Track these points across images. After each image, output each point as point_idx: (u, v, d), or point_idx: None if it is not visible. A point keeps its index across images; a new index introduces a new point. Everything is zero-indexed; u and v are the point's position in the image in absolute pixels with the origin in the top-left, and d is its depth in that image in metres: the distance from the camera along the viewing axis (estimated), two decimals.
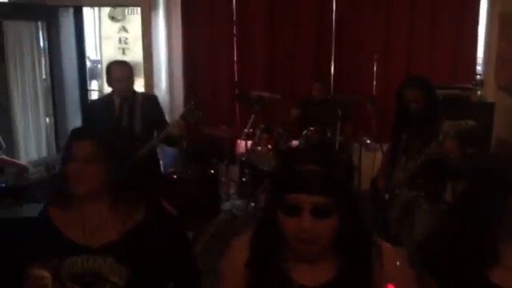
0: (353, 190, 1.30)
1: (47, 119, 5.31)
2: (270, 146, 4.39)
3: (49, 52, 5.11)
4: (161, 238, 1.59)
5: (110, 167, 1.56)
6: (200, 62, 5.39)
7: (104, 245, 1.55)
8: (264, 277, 1.26)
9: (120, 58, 5.74)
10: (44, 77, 5.20)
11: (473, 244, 1.38)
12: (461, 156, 2.94)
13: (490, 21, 4.95)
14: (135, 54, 5.86)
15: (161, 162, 3.89)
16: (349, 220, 1.21)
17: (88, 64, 6.03)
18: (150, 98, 3.67)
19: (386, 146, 3.52)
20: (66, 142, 1.62)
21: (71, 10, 5.35)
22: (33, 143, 5.05)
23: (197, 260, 1.80)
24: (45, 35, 5.09)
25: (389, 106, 3.73)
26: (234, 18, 5.32)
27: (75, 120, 5.39)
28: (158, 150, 3.67)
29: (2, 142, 3.72)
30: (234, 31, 5.35)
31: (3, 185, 3.36)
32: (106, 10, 6.31)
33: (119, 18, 6.37)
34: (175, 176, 4.79)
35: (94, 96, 6.17)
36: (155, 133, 3.45)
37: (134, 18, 6.13)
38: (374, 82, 5.21)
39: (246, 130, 4.45)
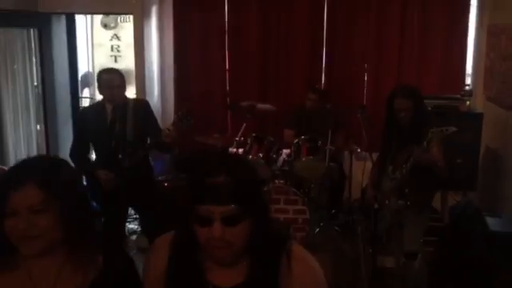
0: (262, 196, 1.35)
1: (38, 126, 5.29)
2: (261, 155, 4.40)
3: (40, 59, 5.10)
4: (125, 280, 1.37)
5: (63, 213, 1.27)
6: (192, 70, 5.40)
7: None
8: (181, 276, 1.30)
9: (112, 65, 5.75)
10: (35, 84, 5.19)
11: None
12: (448, 165, 2.98)
13: (478, 32, 5.03)
14: (127, 62, 5.87)
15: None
16: (259, 224, 1.27)
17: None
18: (141, 103, 3.68)
19: (375, 155, 3.55)
20: (1, 191, 1.25)
21: (63, 18, 5.35)
22: (23, 150, 5.03)
23: None
24: (37, 42, 5.08)
25: (379, 115, 3.76)
26: (227, 27, 5.35)
27: (66, 127, 5.38)
28: (150, 158, 3.68)
29: None
30: (226, 40, 5.37)
31: None
32: (99, 18, 6.32)
33: (112, 25, 6.39)
34: (166, 184, 4.79)
35: (86, 103, 6.17)
36: (148, 139, 3.45)
37: (127, 25, 6.15)
38: (365, 92, 5.26)
39: (237, 139, 4.46)
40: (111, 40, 6.40)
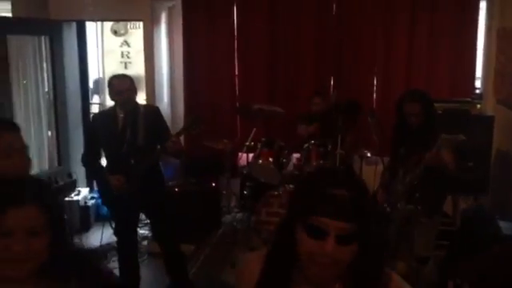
0: (376, 219, 1.29)
1: (49, 132, 5.34)
2: (271, 159, 4.41)
3: (52, 66, 5.16)
4: None
5: (54, 239, 1.20)
6: (201, 76, 5.43)
7: None
8: None
9: (122, 71, 5.78)
10: (46, 90, 5.24)
11: None
12: (459, 169, 2.97)
13: (488, 35, 5.01)
14: (137, 68, 5.91)
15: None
16: (369, 249, 1.20)
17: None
18: (152, 110, 3.71)
19: (386, 159, 3.55)
20: None
21: (74, 25, 5.41)
22: (35, 156, 5.08)
23: None
24: (48, 49, 5.14)
25: (389, 119, 3.76)
26: (236, 32, 5.37)
27: (77, 133, 5.42)
28: (160, 164, 3.70)
29: None
30: (236, 45, 5.40)
31: None
32: (109, 25, 6.37)
33: (122, 32, 6.44)
34: (176, 189, 4.81)
35: (96, 110, 6.21)
36: (158, 146, 3.48)
37: (137, 32, 6.20)
38: (374, 95, 5.25)
39: (247, 143, 4.47)
40: (121, 46, 6.44)
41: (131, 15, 5.33)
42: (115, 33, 6.42)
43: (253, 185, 4.61)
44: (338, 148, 4.19)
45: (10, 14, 4.96)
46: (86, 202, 5.16)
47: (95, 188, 4.91)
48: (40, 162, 5.18)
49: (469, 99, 4.57)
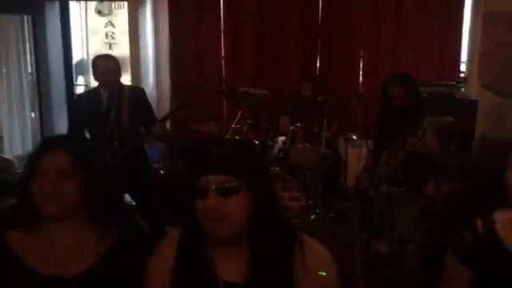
0: (266, 174, 1.33)
1: (33, 114, 5.27)
2: (256, 142, 4.41)
3: (35, 46, 5.07)
4: (137, 259, 1.39)
5: (86, 183, 1.38)
6: (187, 58, 5.38)
7: (79, 274, 1.36)
8: (190, 272, 1.27)
9: (107, 52, 5.70)
10: (30, 71, 5.16)
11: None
12: (443, 152, 3.00)
13: (473, 19, 5.02)
14: (122, 49, 5.83)
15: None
16: (260, 201, 1.24)
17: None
18: (137, 91, 3.68)
19: (371, 142, 3.57)
20: (32, 155, 1.41)
21: (57, 4, 5.31)
22: (18, 138, 5.02)
23: None
24: (30, 29, 5.05)
25: (375, 102, 3.77)
26: (222, 14, 5.32)
27: (61, 114, 5.36)
28: (145, 145, 3.68)
29: None
30: (222, 27, 5.35)
31: None
32: (93, 5, 6.26)
33: (106, 12, 6.32)
34: (162, 171, 4.80)
35: (81, 90, 6.14)
36: (142, 128, 3.45)
37: (121, 12, 6.09)
38: (360, 79, 5.26)
39: (233, 126, 4.46)
40: (106, 27, 6.33)
41: None
42: (99, 13, 6.31)
43: None
44: (324, 131, 4.20)
45: None
46: None
47: None
48: (23, 144, 5.12)
49: (453, 83, 4.60)
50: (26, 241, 1.37)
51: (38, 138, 5.24)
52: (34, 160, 1.38)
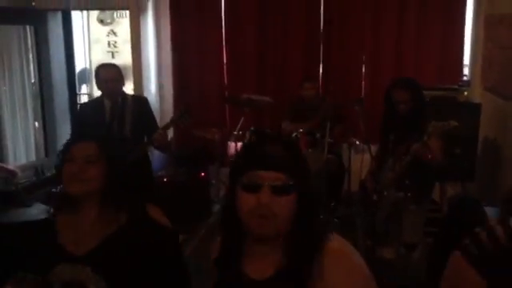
0: (310, 178, 1.32)
1: (36, 123, 5.28)
2: None
3: (37, 56, 5.09)
4: (144, 245, 1.55)
5: (109, 170, 1.57)
6: (190, 65, 5.39)
7: (86, 253, 1.53)
8: (223, 272, 1.29)
9: (109, 61, 5.73)
10: (33, 81, 5.17)
11: None
12: (446, 156, 2.99)
13: (476, 22, 5.01)
14: (124, 58, 5.85)
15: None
16: (305, 203, 1.23)
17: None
18: (140, 100, 3.67)
19: (374, 148, 3.55)
20: (65, 144, 1.61)
21: (59, 14, 5.33)
22: (21, 147, 5.02)
23: (187, 270, 1.74)
24: (33, 39, 5.06)
25: (377, 107, 3.76)
26: (223, 21, 5.33)
27: (64, 124, 5.36)
28: (149, 154, 3.68)
29: None
30: (224, 34, 5.36)
31: None
32: (95, 14, 6.30)
33: (108, 21, 6.36)
34: (165, 179, 4.79)
35: (84, 100, 6.16)
36: (145, 138, 3.45)
37: (123, 21, 6.13)
38: (363, 84, 5.25)
39: (235, 133, 4.46)
40: (108, 36, 6.37)
41: (117, 3, 5.25)
42: (101, 22, 6.35)
43: None
44: (327, 136, 4.19)
45: None
46: None
47: None
48: (27, 154, 5.13)
49: (456, 86, 4.58)
50: (65, 219, 1.58)
51: (41, 147, 5.25)
52: (65, 148, 1.59)
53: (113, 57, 6.31)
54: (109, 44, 6.38)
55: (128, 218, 1.59)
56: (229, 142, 5.07)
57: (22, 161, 4.90)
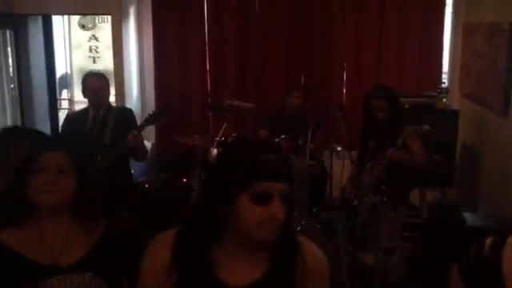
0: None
1: None
2: None
3: (17, 61, 5.03)
4: (126, 247, 1.57)
5: (80, 179, 1.53)
6: (172, 71, 5.38)
7: (77, 261, 1.50)
8: (189, 276, 1.23)
9: (90, 66, 5.69)
10: (12, 86, 5.11)
11: None
12: (430, 156, 3.04)
13: (454, 31, 5.12)
14: (106, 63, 5.82)
15: (132, 172, 3.86)
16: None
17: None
18: (124, 112, 3.64)
19: (355, 154, 3.60)
20: (30, 153, 1.52)
21: (40, 18, 5.28)
22: None
23: None
24: (13, 44, 5.00)
25: (358, 114, 3.81)
26: (206, 27, 5.34)
27: (44, 130, 5.29)
28: (129, 160, 3.65)
29: None
30: (207, 40, 5.37)
31: None
32: (76, 19, 6.25)
33: (90, 26, 6.33)
34: (147, 185, 4.76)
35: (65, 105, 6.10)
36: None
37: (105, 26, 6.10)
38: (344, 90, 5.30)
39: (217, 139, 4.46)
40: (89, 41, 6.33)
41: (99, 9, 5.23)
42: (83, 27, 6.31)
43: None
44: (308, 142, 4.22)
45: None
46: None
47: None
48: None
49: (435, 93, 4.66)
50: (18, 235, 1.48)
51: None
52: (31, 157, 1.50)
53: (94, 62, 6.27)
54: (90, 49, 6.34)
55: (106, 224, 1.59)
56: (211, 149, 5.07)
57: None
